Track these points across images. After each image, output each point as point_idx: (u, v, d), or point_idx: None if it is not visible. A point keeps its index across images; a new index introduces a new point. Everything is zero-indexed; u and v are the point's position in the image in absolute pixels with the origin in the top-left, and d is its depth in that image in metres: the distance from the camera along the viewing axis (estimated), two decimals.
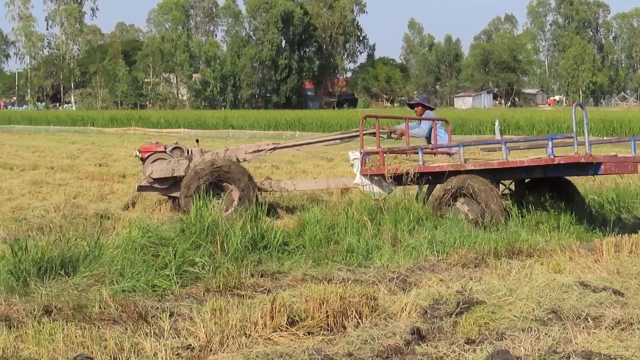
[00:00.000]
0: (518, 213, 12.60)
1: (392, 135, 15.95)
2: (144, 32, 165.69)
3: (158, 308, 7.95)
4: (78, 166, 25.37)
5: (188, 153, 15.62)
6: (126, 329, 7.24)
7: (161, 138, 47.98)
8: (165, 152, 15.57)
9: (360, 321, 7.44)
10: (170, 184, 15.26)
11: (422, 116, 15.78)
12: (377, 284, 8.86)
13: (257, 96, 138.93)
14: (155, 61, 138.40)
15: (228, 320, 7.14)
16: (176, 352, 6.65)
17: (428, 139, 15.41)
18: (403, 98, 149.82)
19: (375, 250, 10.75)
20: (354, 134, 16.09)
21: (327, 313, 7.38)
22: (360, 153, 14.03)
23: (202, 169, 14.67)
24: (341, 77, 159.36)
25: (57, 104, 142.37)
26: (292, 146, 16.95)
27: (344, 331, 7.25)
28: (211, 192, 14.15)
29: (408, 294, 8.22)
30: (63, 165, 24.91)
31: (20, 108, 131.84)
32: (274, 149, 16.15)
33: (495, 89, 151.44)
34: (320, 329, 7.25)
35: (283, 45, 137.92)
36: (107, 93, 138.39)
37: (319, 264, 10.12)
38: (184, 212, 13.97)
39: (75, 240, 9.90)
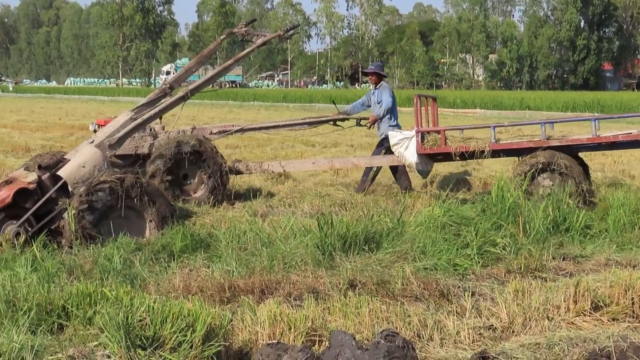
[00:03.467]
0: None
1: (362, 122, 15.46)
2: (440, 12, 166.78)
3: (459, 287, 8.01)
4: (374, 145, 25.73)
5: (151, 130, 14.68)
6: (428, 306, 7.35)
7: (457, 118, 48.11)
8: None
9: None
10: (131, 162, 14.22)
11: (378, 86, 15.34)
12: None
13: (553, 77, 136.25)
14: (451, 41, 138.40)
15: (530, 303, 7.10)
16: (478, 332, 6.68)
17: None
18: None
19: None
20: (323, 119, 15.55)
21: (632, 300, 7.20)
22: (417, 132, 13.58)
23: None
24: None
25: (355, 84, 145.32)
26: (259, 128, 16.05)
27: None
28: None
29: None
30: (362, 144, 25.35)
31: (320, 87, 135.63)
32: (242, 130, 15.46)
33: None
34: (625, 316, 7.09)
35: (582, 26, 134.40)
36: (403, 73, 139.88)
37: (623, 249, 9.82)
38: None
39: (379, 217, 10.10)
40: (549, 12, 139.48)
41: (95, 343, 5.88)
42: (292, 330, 6.37)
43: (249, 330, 6.44)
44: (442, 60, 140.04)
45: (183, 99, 11.99)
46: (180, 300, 6.30)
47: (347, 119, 15.61)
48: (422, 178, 14.54)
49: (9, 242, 9.82)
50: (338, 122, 15.65)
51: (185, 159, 13.67)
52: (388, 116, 15.15)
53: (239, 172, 14.63)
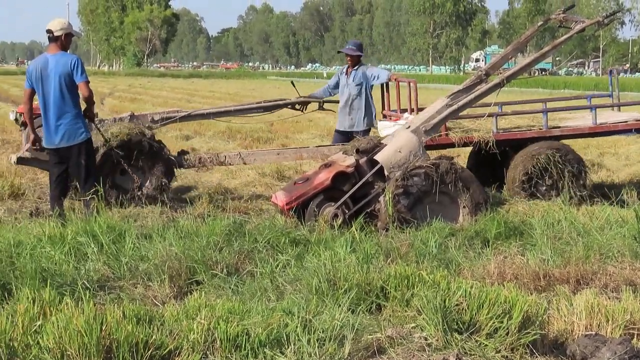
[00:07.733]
0: None
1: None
2: None
3: None
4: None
5: None
6: None
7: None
8: None
9: None
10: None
11: (357, 67, 13.84)
12: None
13: None
14: None
15: None
16: None
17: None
18: None
19: None
20: (280, 103, 14.17)
21: None
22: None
23: None
24: None
25: None
26: (208, 114, 14.38)
27: None
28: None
29: None
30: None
31: (633, 75, 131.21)
32: (189, 116, 13.99)
33: None
34: None
35: None
36: None
37: None
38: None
39: None
40: None
41: (413, 325, 6.04)
42: (609, 322, 6.25)
43: (564, 320, 6.38)
44: None
45: (499, 85, 11.95)
46: (496, 287, 6.34)
47: (309, 102, 14.43)
48: None
49: (327, 223, 10.21)
50: (297, 106, 14.46)
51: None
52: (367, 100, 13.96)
53: (189, 166, 13.33)
